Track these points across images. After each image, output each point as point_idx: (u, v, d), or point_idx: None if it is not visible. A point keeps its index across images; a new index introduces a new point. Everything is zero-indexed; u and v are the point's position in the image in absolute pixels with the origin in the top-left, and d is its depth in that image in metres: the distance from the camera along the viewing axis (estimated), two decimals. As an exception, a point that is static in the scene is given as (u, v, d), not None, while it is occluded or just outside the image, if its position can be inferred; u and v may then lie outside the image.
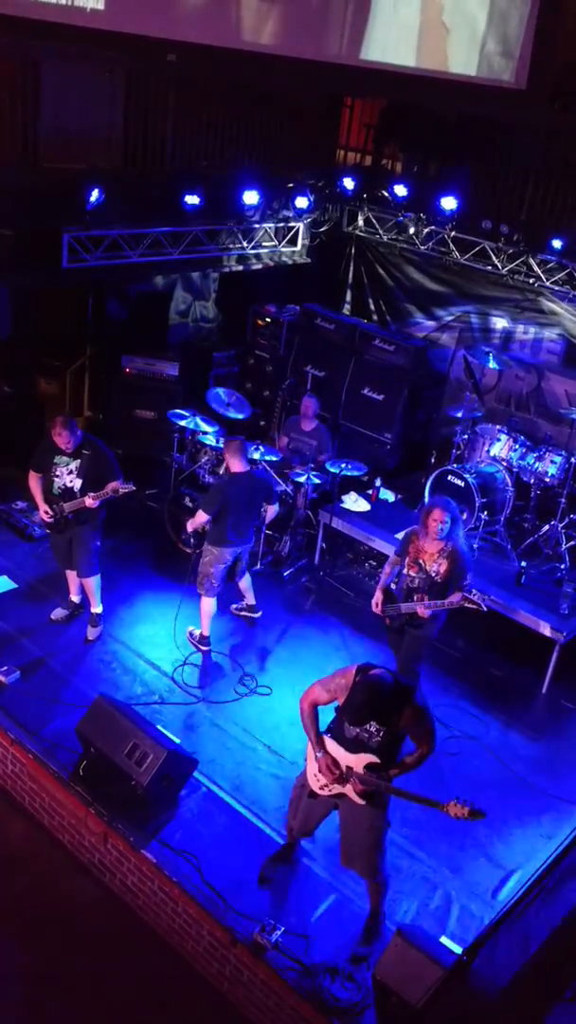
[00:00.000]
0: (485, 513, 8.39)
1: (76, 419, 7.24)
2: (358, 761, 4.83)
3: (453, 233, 10.32)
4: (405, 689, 4.81)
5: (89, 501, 6.72)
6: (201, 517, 7.02)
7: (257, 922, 5.10)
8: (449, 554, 6.24)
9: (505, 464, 8.65)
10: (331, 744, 4.94)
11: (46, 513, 6.85)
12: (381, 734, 4.78)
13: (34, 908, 5.52)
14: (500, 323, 10.40)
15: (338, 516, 8.68)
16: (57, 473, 6.81)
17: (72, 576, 7.38)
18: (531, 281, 9.88)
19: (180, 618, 7.47)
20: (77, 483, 6.78)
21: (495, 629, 7.74)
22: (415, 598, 6.29)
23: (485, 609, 6.22)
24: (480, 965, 4.71)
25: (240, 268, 10.79)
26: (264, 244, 10.75)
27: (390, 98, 11.01)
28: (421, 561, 6.32)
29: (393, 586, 6.56)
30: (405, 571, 6.40)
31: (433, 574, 6.28)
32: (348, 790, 4.90)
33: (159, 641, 7.41)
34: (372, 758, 4.81)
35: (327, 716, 5.04)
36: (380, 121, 11.66)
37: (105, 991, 5.13)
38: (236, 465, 6.99)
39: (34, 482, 6.93)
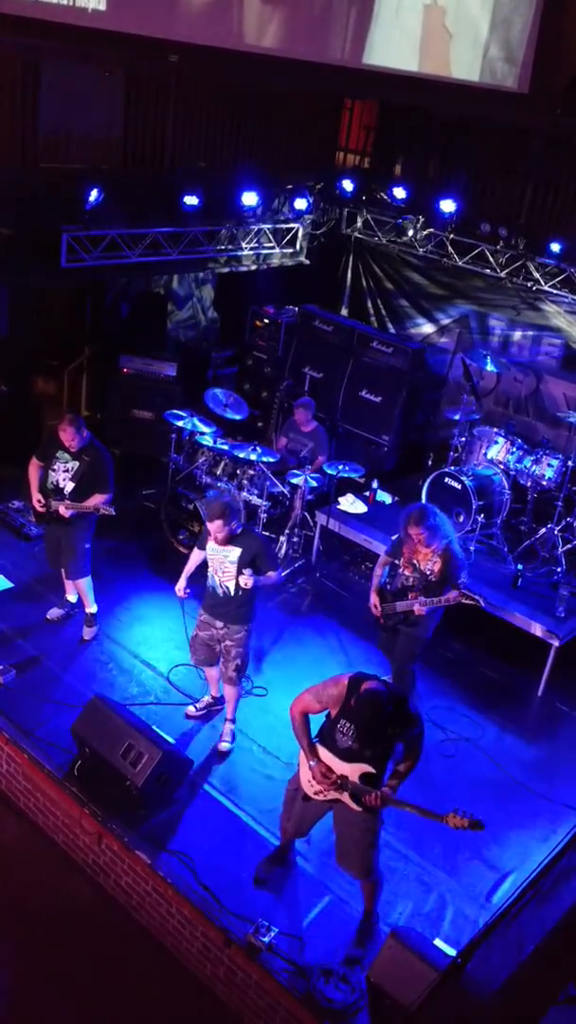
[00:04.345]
0: (482, 516, 8.39)
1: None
2: (353, 771, 4.82)
3: (452, 236, 10.34)
4: (400, 698, 4.84)
5: (62, 509, 6.71)
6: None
7: (251, 923, 5.09)
8: (442, 553, 6.27)
9: (502, 467, 8.65)
10: (324, 753, 4.92)
11: (38, 502, 6.85)
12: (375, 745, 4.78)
13: (28, 908, 5.51)
14: (499, 326, 10.41)
15: (335, 518, 8.68)
16: (54, 468, 6.80)
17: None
18: (530, 284, 9.90)
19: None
20: (68, 485, 6.76)
21: (491, 631, 7.74)
22: (409, 596, 6.31)
23: (483, 604, 6.27)
24: (474, 967, 4.72)
25: (239, 269, 10.80)
26: (263, 245, 10.76)
27: (391, 101, 11.01)
28: (416, 561, 6.34)
29: (387, 586, 6.56)
30: (401, 570, 6.42)
31: (428, 573, 6.30)
32: (344, 796, 4.90)
33: (155, 642, 7.40)
34: (367, 768, 4.80)
35: (317, 721, 5.04)
36: (379, 122, 11.68)
37: (98, 992, 5.13)
38: None
39: (33, 469, 6.92)
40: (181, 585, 6.37)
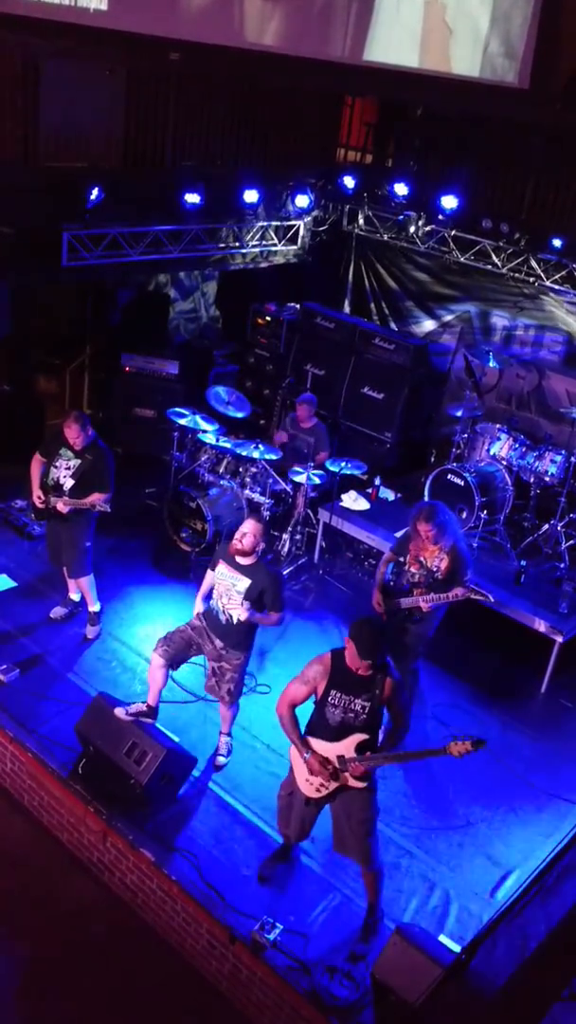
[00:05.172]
0: (485, 512, 8.39)
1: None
2: (348, 746, 4.85)
3: (453, 232, 10.33)
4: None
5: (60, 505, 6.72)
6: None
7: (256, 920, 5.10)
8: (449, 551, 6.26)
9: (505, 463, 8.65)
10: (316, 743, 4.95)
11: (38, 498, 6.86)
12: (366, 710, 4.82)
13: (32, 906, 5.52)
14: (501, 322, 10.40)
15: (338, 515, 8.68)
16: (56, 464, 6.82)
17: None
18: (531, 280, 9.89)
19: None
20: (68, 482, 6.77)
21: (494, 628, 7.74)
22: (415, 593, 6.31)
23: (492, 600, 6.31)
24: (478, 964, 4.71)
25: (240, 267, 10.80)
26: (264, 243, 10.76)
27: (393, 98, 11.01)
28: (422, 559, 6.34)
29: (392, 583, 6.56)
30: (407, 568, 6.41)
31: (434, 570, 6.30)
32: (344, 780, 4.91)
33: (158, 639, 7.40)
34: (362, 736, 4.85)
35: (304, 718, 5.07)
36: (380, 119, 11.67)
37: (103, 990, 5.14)
38: None
39: (35, 465, 6.92)
40: (199, 608, 6.09)
